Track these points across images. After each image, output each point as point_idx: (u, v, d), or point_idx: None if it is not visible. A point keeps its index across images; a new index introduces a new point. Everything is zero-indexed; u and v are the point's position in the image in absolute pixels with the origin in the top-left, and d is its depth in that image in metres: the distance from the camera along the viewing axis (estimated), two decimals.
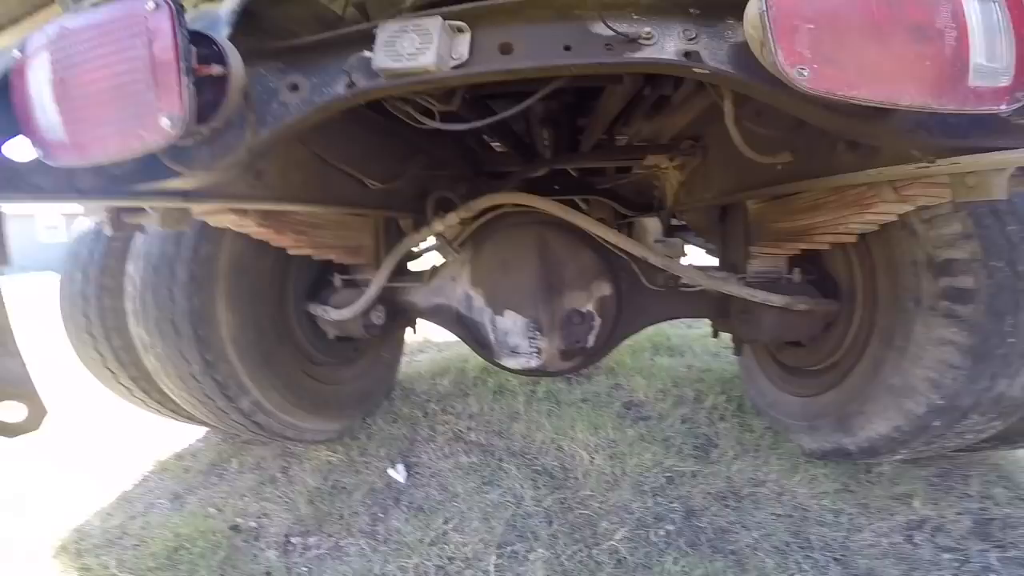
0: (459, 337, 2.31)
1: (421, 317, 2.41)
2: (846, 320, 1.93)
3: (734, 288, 1.79)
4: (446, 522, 1.82)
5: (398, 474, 2.18)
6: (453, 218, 1.97)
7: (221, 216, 1.43)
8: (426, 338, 4.14)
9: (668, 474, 2.03)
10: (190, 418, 2.26)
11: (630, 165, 2.61)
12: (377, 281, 2.01)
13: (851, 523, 1.73)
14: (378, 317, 2.19)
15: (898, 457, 1.81)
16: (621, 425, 2.40)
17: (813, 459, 2.05)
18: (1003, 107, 0.70)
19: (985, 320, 1.44)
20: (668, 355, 3.39)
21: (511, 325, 2.10)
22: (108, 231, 1.19)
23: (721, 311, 2.14)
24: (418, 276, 2.32)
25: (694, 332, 4.00)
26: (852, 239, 1.60)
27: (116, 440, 2.71)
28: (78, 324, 2.09)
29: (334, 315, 2.06)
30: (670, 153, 2.10)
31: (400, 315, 2.39)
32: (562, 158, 2.35)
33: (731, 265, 2.06)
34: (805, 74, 0.67)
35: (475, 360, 3.26)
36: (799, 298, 1.78)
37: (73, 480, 2.31)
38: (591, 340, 2.11)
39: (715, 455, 2.18)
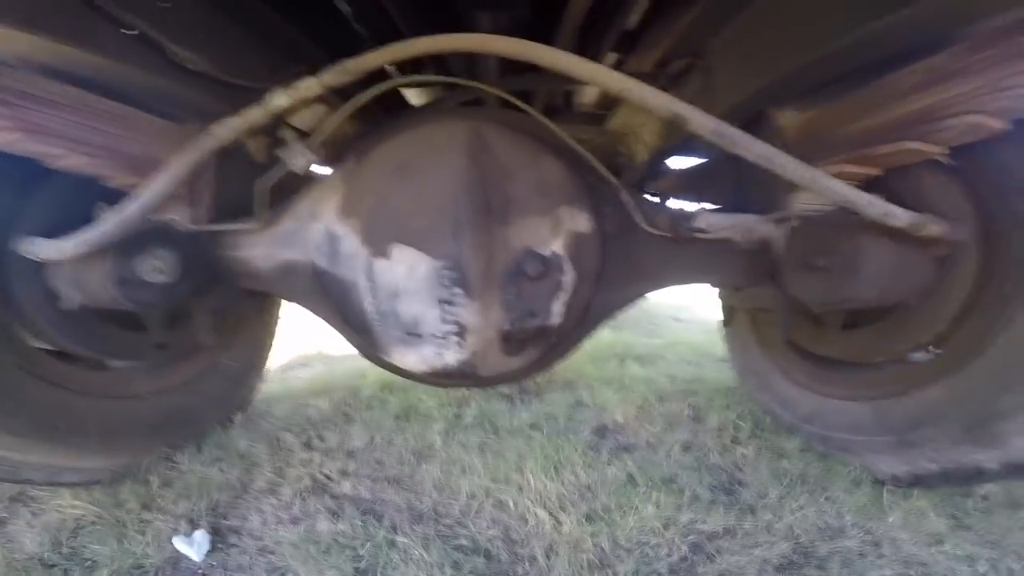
0: (325, 320, 1.39)
1: (261, 286, 1.39)
2: (952, 270, 1.23)
3: (839, 189, 1.01)
4: None
5: (191, 546, 1.23)
6: (313, 85, 1.07)
7: None
8: (321, 351, 3.11)
9: (691, 538, 1.19)
10: None
11: (587, 135, 2.12)
12: (148, 192, 1.08)
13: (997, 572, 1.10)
14: (154, 270, 1.17)
15: None
16: (596, 461, 1.54)
17: (896, 487, 1.35)
18: None
19: None
20: (639, 364, 2.60)
21: (403, 275, 1.14)
22: None
23: (759, 268, 1.37)
24: (256, 217, 1.33)
25: (658, 341, 3.27)
26: (1001, 124, 0.95)
27: None
28: None
29: (48, 250, 1.08)
30: (655, 83, 1.49)
31: (227, 283, 1.39)
32: (512, 80, 1.64)
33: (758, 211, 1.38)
34: None
35: (379, 374, 2.31)
36: (928, 216, 1.05)
37: None
38: (556, 311, 1.22)
39: (749, 497, 1.38)
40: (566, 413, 1.89)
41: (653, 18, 1.46)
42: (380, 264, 1.14)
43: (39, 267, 1.22)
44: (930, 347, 1.31)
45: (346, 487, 1.46)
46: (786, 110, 1.35)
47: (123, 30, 0.96)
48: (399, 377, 2.15)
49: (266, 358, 2.17)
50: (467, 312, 1.14)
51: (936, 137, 1.03)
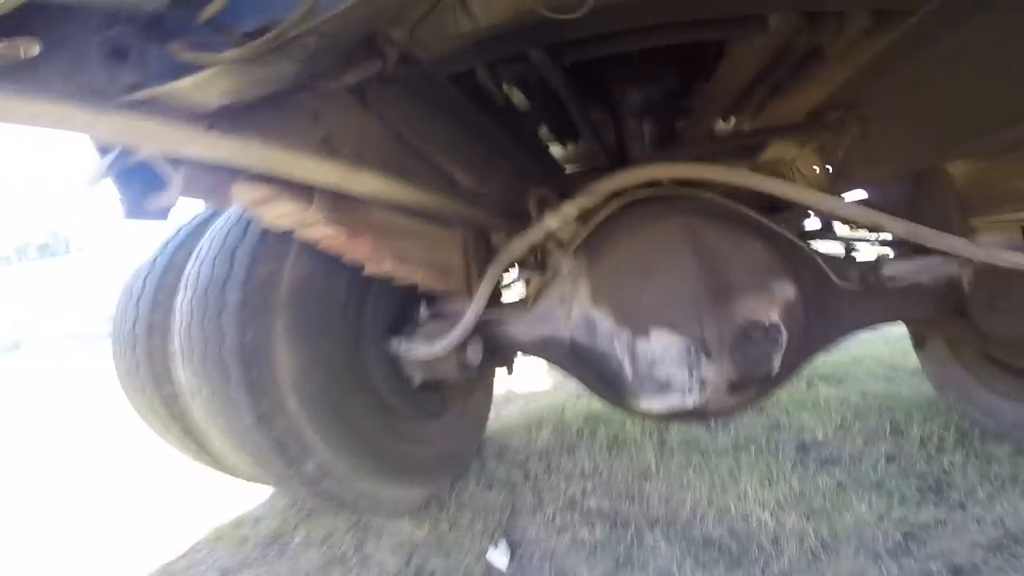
0: (574, 376, 1.91)
1: (524, 352, 2.01)
2: None
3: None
4: None
5: (500, 556, 1.81)
6: (570, 209, 1.62)
7: (277, 205, 1.16)
8: (510, 388, 3.78)
9: (904, 529, 1.53)
10: (250, 477, 2.03)
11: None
12: (477, 303, 1.68)
13: None
14: (475, 354, 1.82)
15: None
16: (805, 473, 1.91)
17: None
18: None
19: None
20: (827, 384, 2.85)
21: (661, 350, 1.65)
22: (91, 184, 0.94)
23: (948, 305, 1.65)
24: (519, 304, 1.96)
25: (843, 358, 3.42)
26: None
27: (175, 499, 2.58)
28: (128, 368, 1.95)
29: (422, 352, 1.74)
30: (808, 133, 1.81)
31: (496, 353, 2.03)
32: (669, 156, 2.08)
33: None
34: None
35: (575, 408, 2.89)
36: None
37: (118, 543, 2.22)
38: (774, 364, 1.64)
39: (958, 496, 1.66)
40: (765, 435, 2.27)
41: (802, 70, 1.64)
42: (641, 343, 1.65)
43: (391, 362, 1.90)
44: None
45: (592, 503, 2.00)
46: (956, 162, 1.64)
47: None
48: (601, 410, 2.69)
49: (491, 399, 2.83)
50: (708, 371, 1.61)
51: None
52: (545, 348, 1.86)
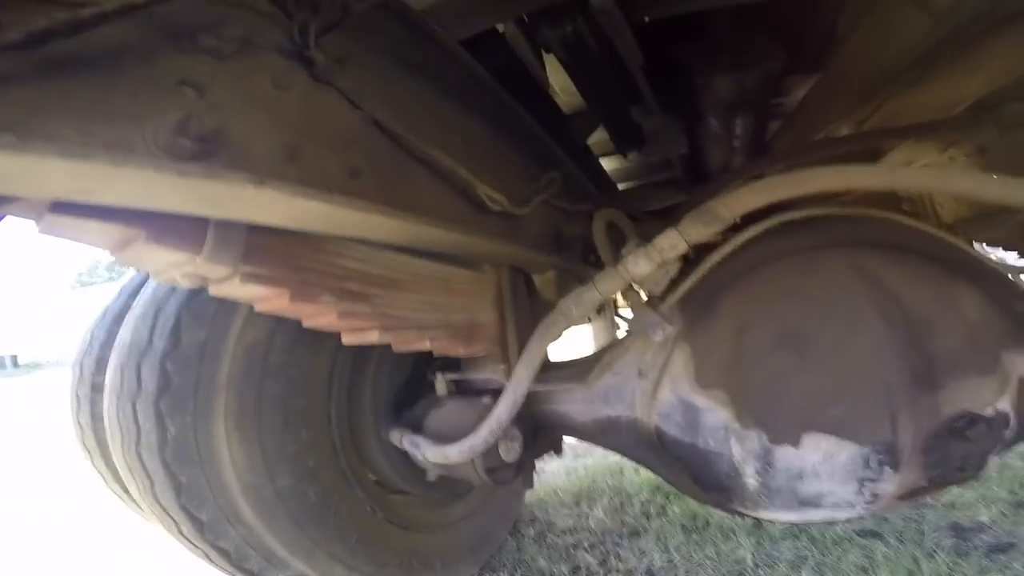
0: (648, 468, 1.38)
1: (578, 437, 1.48)
2: None
3: None
4: None
5: None
6: (676, 243, 1.02)
7: (141, 251, 0.66)
8: None
9: None
10: None
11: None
12: (514, 388, 1.17)
13: None
14: (511, 450, 1.32)
15: None
16: (969, 569, 1.37)
17: None
18: None
19: None
20: None
21: (818, 462, 1.10)
22: None
23: None
24: (574, 372, 1.39)
25: None
26: None
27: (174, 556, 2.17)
28: (76, 432, 1.71)
29: (434, 455, 1.28)
30: (964, 131, 1.48)
31: (540, 436, 1.52)
32: (784, 157, 1.59)
33: None
34: None
35: (638, 472, 2.38)
36: None
37: None
38: (986, 462, 1.10)
39: None
40: (901, 515, 1.72)
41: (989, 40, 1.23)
42: (783, 451, 1.10)
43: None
44: None
45: None
46: None
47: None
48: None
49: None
50: (887, 484, 1.08)
51: None
52: (608, 433, 1.34)
